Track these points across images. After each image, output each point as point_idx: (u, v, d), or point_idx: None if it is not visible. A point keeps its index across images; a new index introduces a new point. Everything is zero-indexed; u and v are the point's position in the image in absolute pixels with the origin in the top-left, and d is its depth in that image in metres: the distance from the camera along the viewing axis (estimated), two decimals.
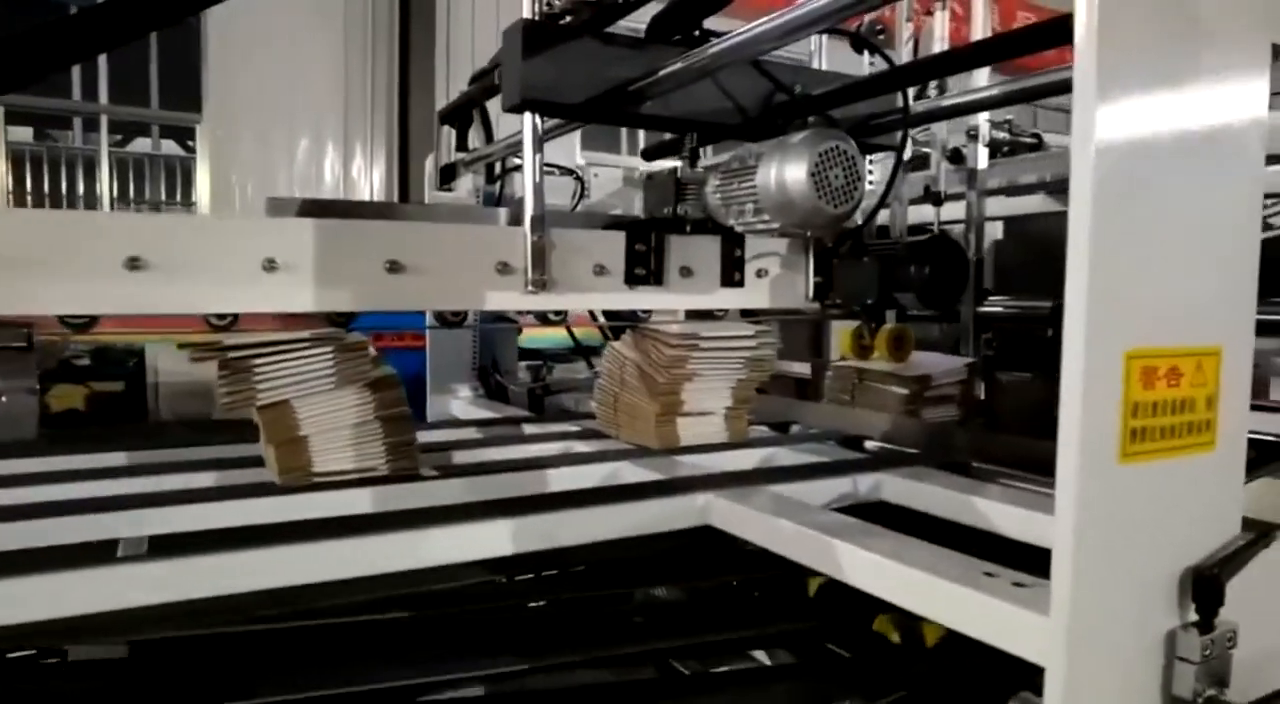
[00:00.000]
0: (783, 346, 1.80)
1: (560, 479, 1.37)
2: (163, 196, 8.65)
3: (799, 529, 1.08)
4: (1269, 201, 3.46)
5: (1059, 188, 2.64)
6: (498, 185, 2.43)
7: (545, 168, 2.62)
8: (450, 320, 1.55)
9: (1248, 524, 0.83)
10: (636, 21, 1.61)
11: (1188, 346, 0.76)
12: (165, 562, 0.95)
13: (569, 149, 2.86)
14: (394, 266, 1.44)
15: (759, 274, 1.81)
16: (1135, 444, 0.73)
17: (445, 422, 2.17)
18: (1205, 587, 0.76)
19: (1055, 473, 0.71)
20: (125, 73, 7.85)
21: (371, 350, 1.37)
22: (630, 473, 1.45)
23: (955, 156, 2.08)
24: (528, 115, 1.53)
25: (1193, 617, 0.77)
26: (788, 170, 1.37)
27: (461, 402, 2.37)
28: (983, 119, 2.01)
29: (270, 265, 1.35)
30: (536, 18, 1.53)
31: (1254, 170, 0.79)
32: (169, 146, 8.74)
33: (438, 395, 2.40)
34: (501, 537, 1.08)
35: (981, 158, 2.02)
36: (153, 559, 0.95)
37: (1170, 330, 0.74)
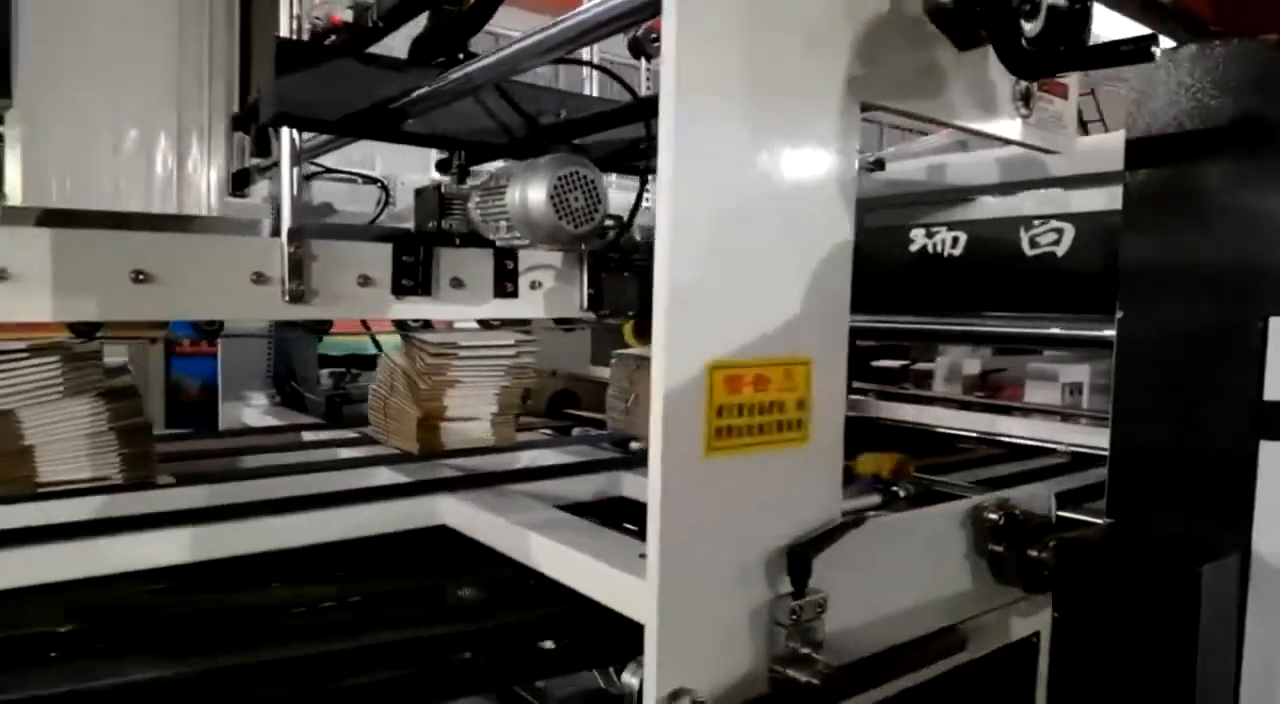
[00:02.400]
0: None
1: (305, 484, 1.41)
2: None
3: (506, 524, 1.18)
4: (1038, 221, 3.81)
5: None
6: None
7: (348, 176, 2.64)
8: (205, 329, 1.57)
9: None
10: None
11: (776, 357, 0.89)
12: None
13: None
14: (141, 276, 1.45)
15: (533, 286, 1.90)
16: (721, 440, 0.85)
17: (226, 431, 2.16)
18: (796, 561, 0.90)
19: None
20: None
21: (110, 360, 1.37)
22: (384, 476, 1.51)
23: None
24: (285, 130, 1.57)
25: (788, 588, 0.91)
26: (530, 192, 1.46)
27: (255, 410, 2.35)
28: None
29: (0, 275, 1.34)
30: (295, 36, 1.57)
31: (845, 210, 0.94)
32: None
33: (230, 403, 2.37)
34: (204, 540, 1.12)
35: None
36: None
37: (756, 344, 0.87)
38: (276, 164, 2.43)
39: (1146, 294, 1.37)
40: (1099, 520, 1.42)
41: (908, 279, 3.99)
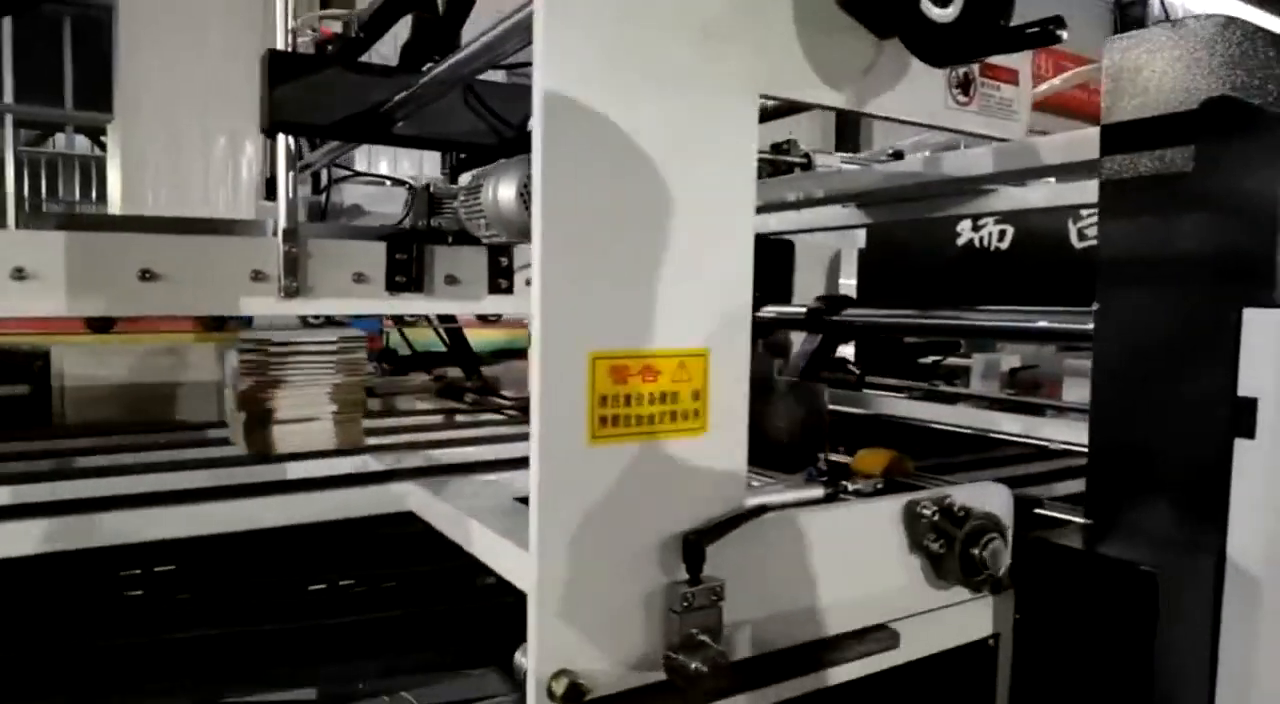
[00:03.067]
0: None
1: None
2: (76, 197, 8.55)
3: (452, 510, 1.22)
4: (1086, 212, 3.68)
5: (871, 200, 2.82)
6: (324, 196, 2.54)
7: (378, 179, 2.74)
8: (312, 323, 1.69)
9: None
10: None
11: (668, 349, 0.90)
12: None
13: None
14: (148, 275, 1.55)
15: (529, 282, 1.95)
16: (606, 429, 0.87)
17: None
18: (690, 549, 0.91)
19: None
20: (36, 70, 7.78)
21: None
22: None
23: None
24: (281, 137, 1.66)
25: (685, 575, 0.92)
26: (500, 190, 1.50)
27: None
28: None
29: (19, 275, 1.46)
30: (290, 48, 1.66)
31: (743, 201, 0.95)
32: (85, 146, 8.63)
33: None
34: None
35: None
36: None
37: (646, 336, 0.89)
38: (305, 167, 2.55)
39: (1123, 286, 1.32)
40: (1079, 520, 1.37)
41: (954, 273, 3.90)
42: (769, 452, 2.01)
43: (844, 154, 2.33)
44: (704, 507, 0.94)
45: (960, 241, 4.01)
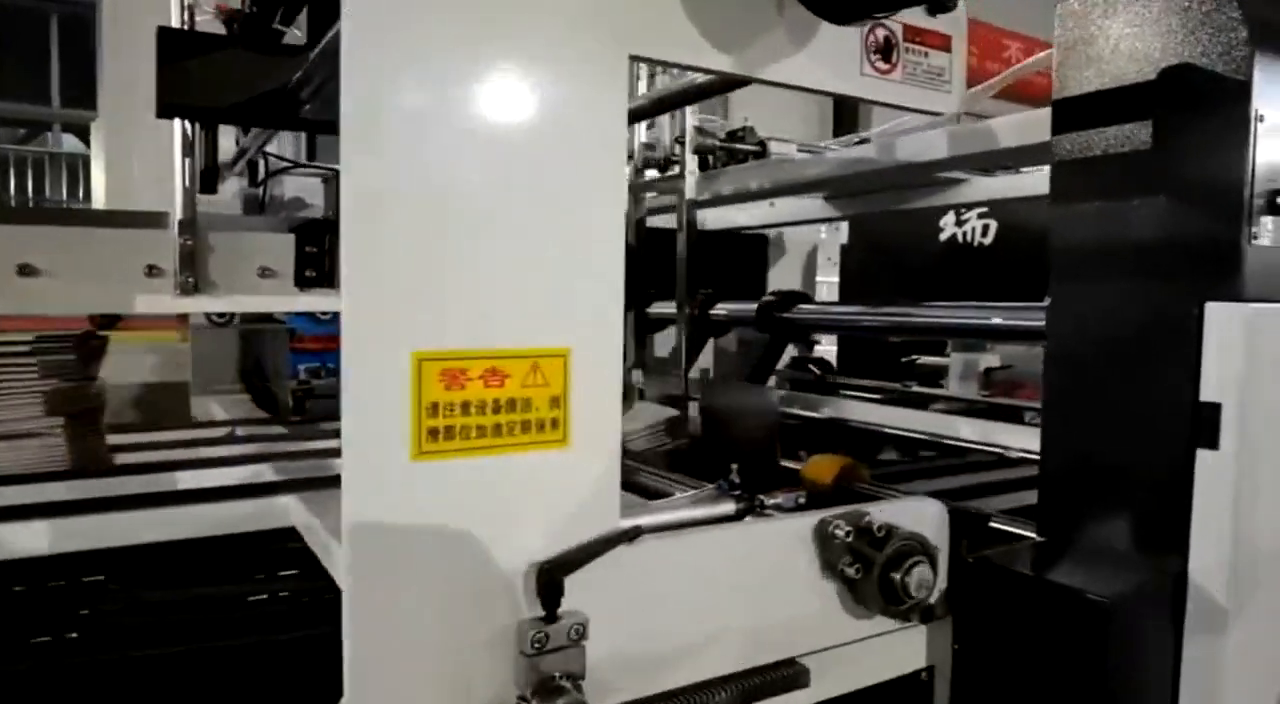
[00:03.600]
0: None
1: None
2: (63, 196, 8.48)
3: (319, 526, 1.10)
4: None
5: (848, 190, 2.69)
6: (261, 188, 2.42)
7: (320, 170, 2.62)
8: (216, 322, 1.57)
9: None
10: None
11: (518, 349, 0.78)
12: None
13: None
14: (26, 270, 1.43)
15: None
16: (437, 443, 0.75)
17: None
18: (545, 581, 0.79)
19: None
20: (23, 68, 7.70)
21: None
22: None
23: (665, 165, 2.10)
24: (177, 121, 1.54)
25: (541, 611, 0.80)
26: None
27: (224, 404, 2.35)
28: (689, 125, 2.02)
29: None
30: (186, 25, 1.54)
31: (611, 180, 0.82)
32: (73, 144, 8.55)
33: (200, 397, 2.38)
34: None
35: (690, 165, 2.03)
36: None
37: (488, 333, 0.77)
38: (238, 159, 2.43)
39: (1076, 278, 1.19)
40: (1032, 535, 1.24)
41: (938, 269, 3.76)
42: (717, 460, 1.89)
43: (802, 142, 2.19)
44: (566, 531, 0.81)
45: (943, 236, 3.87)
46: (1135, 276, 1.12)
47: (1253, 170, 1.04)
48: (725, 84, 1.45)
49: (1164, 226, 1.09)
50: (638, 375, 2.21)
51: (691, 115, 2.02)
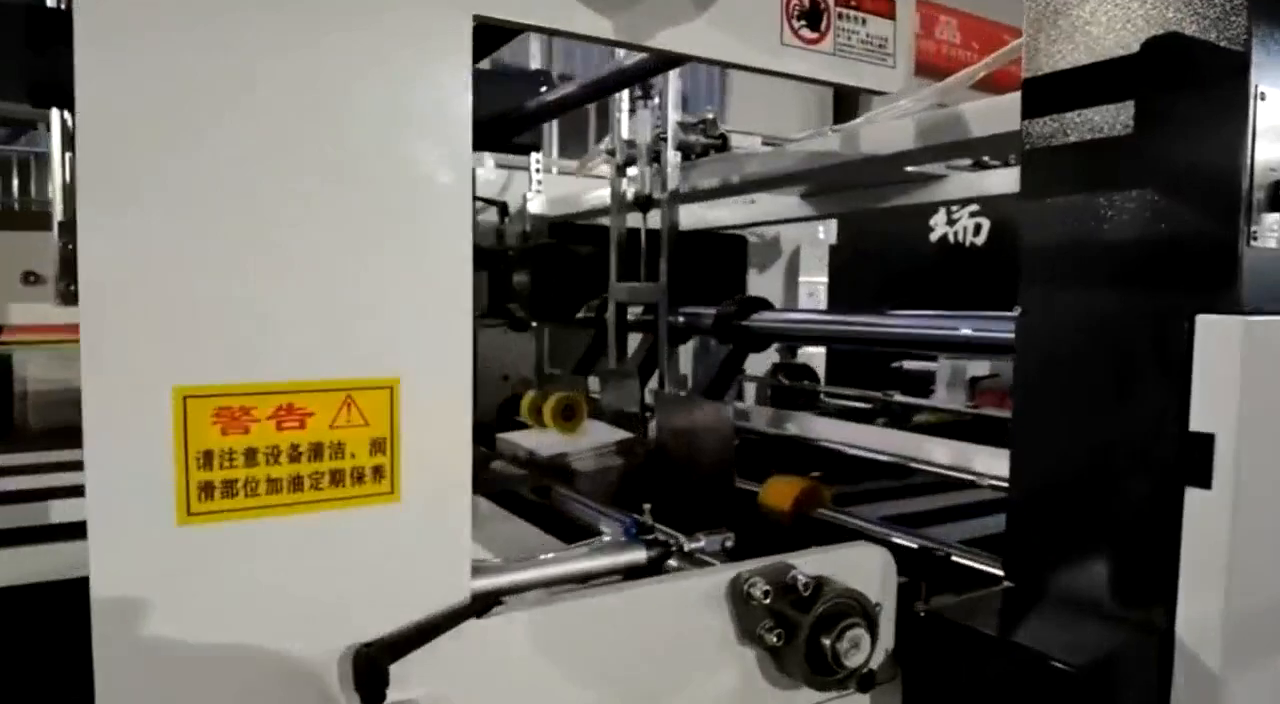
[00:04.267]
0: None
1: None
2: (50, 196, 8.33)
3: None
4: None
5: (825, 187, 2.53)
6: None
7: None
8: None
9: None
10: None
11: (324, 380, 0.62)
12: None
13: None
14: None
15: None
16: (213, 501, 0.59)
17: None
18: (365, 670, 0.63)
19: None
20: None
21: None
22: None
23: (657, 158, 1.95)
24: (55, 111, 1.39)
25: None
26: None
27: None
28: (673, 118, 1.89)
29: None
30: (61, 5, 1.39)
31: (448, 168, 0.66)
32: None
33: None
34: None
35: (672, 160, 1.89)
36: None
37: (283, 361, 0.61)
38: None
39: (1049, 284, 1.03)
40: (998, 572, 1.09)
41: (929, 270, 3.60)
42: (669, 483, 1.74)
43: (767, 134, 2.03)
44: (398, 605, 0.66)
45: (934, 236, 3.71)
46: (1116, 283, 0.96)
47: (1252, 159, 0.87)
48: (661, 63, 1.29)
49: (1149, 225, 0.93)
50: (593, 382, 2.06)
51: (674, 108, 1.87)
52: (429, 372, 0.66)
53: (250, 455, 0.60)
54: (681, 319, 1.87)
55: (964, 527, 1.61)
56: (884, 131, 1.46)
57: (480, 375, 2.33)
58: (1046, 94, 1.02)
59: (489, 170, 2.38)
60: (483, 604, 0.68)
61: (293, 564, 0.62)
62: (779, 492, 1.51)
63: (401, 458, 0.65)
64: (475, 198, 1.92)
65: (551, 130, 3.06)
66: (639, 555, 0.93)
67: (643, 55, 1.22)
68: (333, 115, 0.62)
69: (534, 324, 2.47)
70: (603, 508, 1.27)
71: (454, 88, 0.66)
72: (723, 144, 1.88)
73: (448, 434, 0.67)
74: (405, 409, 0.65)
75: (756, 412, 1.91)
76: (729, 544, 0.99)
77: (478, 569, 0.83)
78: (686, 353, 2.42)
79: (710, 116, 1.99)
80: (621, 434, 1.72)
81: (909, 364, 3.45)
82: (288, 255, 0.61)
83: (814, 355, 3.80)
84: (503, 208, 1.76)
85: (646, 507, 0.97)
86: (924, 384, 3.22)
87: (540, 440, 1.73)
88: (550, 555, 0.89)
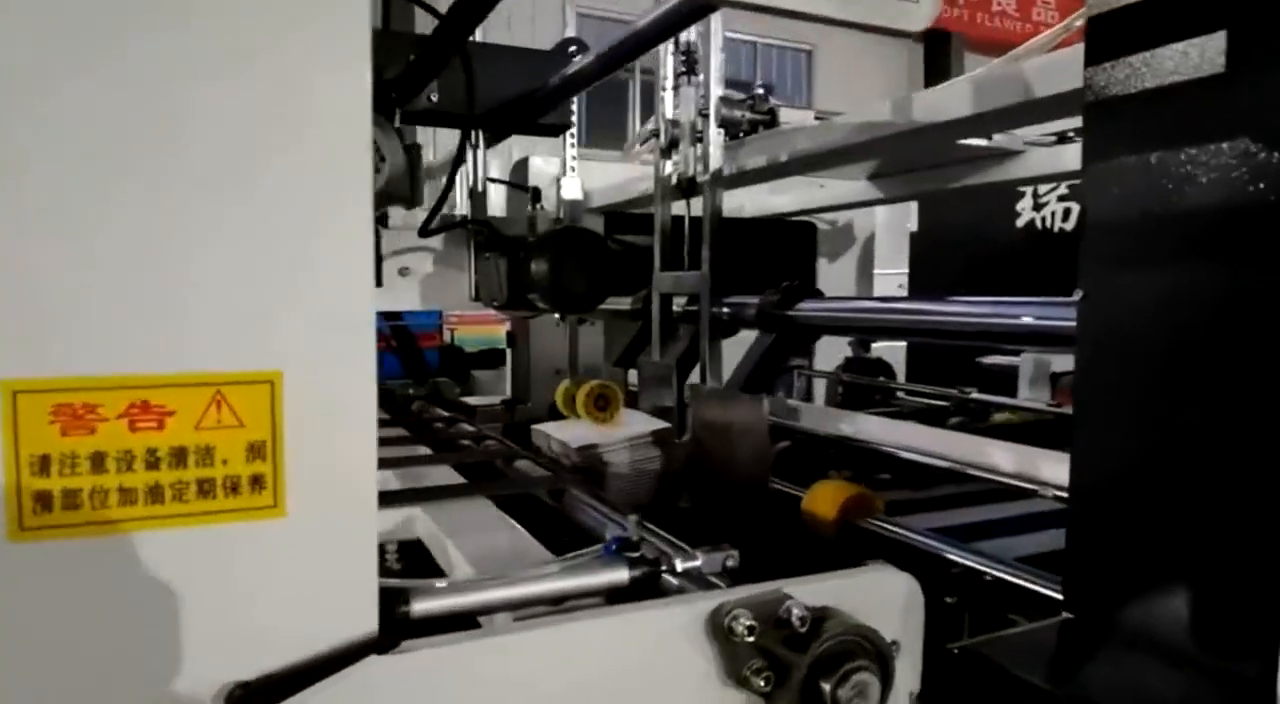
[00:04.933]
0: None
1: None
2: None
3: None
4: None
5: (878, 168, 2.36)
6: None
7: None
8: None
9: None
10: None
11: (182, 374, 0.53)
12: None
13: None
14: None
15: (402, 273, 1.60)
16: (50, 515, 0.50)
17: None
18: None
19: None
20: None
21: None
22: None
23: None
24: None
25: None
26: None
27: None
28: (715, 93, 1.75)
29: None
30: None
31: (346, 124, 0.56)
32: None
33: None
34: None
35: (715, 139, 1.75)
36: None
37: (131, 349, 0.52)
38: None
39: (1118, 262, 0.86)
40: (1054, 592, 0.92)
41: (1015, 257, 3.35)
42: (705, 483, 1.60)
43: (823, 108, 1.87)
44: (286, 638, 0.56)
45: (1020, 222, 3.46)
46: (1201, 256, 0.79)
47: None
48: (686, 14, 1.16)
49: (1241, 186, 0.75)
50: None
51: (717, 83, 1.74)
52: (320, 364, 0.56)
53: (98, 461, 0.51)
54: (726, 310, 1.73)
55: (1035, 539, 1.43)
56: (936, 97, 1.29)
57: (532, 369, 2.25)
58: (1116, 31, 0.85)
59: (600, 164, 2.26)
60: (391, 639, 0.57)
61: (153, 590, 0.53)
62: (824, 498, 1.37)
63: (286, 466, 0.55)
64: (505, 183, 1.84)
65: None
66: (620, 575, 0.81)
67: (668, 6, 1.09)
68: (197, 66, 0.52)
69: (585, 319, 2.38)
70: (611, 513, 1.15)
71: (350, 24, 0.55)
72: (771, 120, 1.74)
73: (345, 438, 0.57)
74: (290, 408, 0.55)
75: (805, 409, 1.76)
76: (731, 563, 0.86)
77: (416, 591, 0.74)
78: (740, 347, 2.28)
79: (760, 92, 1.84)
80: (658, 424, 1.60)
81: (993, 359, 3.22)
82: (140, 229, 0.51)
83: (892, 350, 3.59)
84: (535, 193, 1.66)
85: (633, 518, 0.85)
86: (1009, 381, 2.99)
87: (573, 432, 1.63)
88: (520, 572, 0.78)
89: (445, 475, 1.44)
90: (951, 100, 1.25)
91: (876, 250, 3.61)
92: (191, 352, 0.53)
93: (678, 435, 1.65)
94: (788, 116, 1.76)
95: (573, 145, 1.79)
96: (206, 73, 0.52)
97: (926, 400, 2.59)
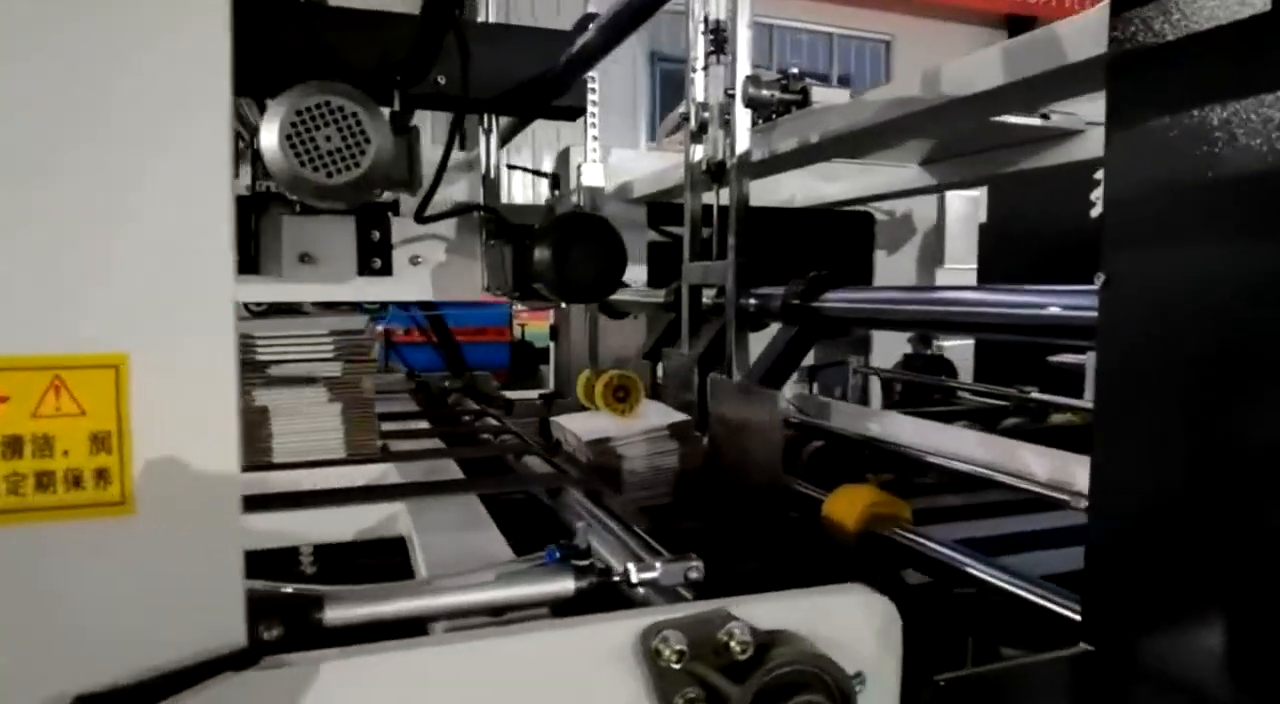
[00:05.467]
0: None
1: None
2: None
3: None
4: None
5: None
6: None
7: None
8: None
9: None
10: None
11: (12, 356, 0.48)
12: None
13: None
14: None
15: (413, 261, 1.56)
16: None
17: None
18: None
19: None
20: None
21: None
22: None
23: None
24: None
25: None
26: (264, 133, 1.12)
27: None
28: (742, 72, 1.66)
29: None
30: None
31: (197, 94, 0.50)
32: None
33: None
34: None
35: (742, 121, 1.66)
36: None
37: None
38: None
39: (1146, 241, 0.75)
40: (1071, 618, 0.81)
41: (1087, 251, 3.14)
42: (719, 483, 1.51)
43: (856, 87, 1.76)
44: (134, 648, 0.51)
45: (1094, 213, 3.23)
46: (1247, 234, 0.67)
47: None
48: None
49: None
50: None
51: (745, 61, 1.65)
52: (172, 348, 0.50)
53: None
54: (753, 302, 1.64)
55: (1075, 553, 1.31)
56: (965, 67, 1.17)
57: (573, 362, 2.19)
58: None
59: (639, 152, 2.19)
60: (252, 653, 0.52)
61: None
62: (845, 504, 1.27)
63: (134, 458, 0.50)
64: (523, 169, 1.79)
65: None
66: (565, 585, 0.73)
67: None
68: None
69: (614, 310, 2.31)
70: (603, 515, 1.08)
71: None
72: (804, 100, 1.63)
73: (202, 429, 0.51)
74: (139, 395, 0.50)
75: (837, 407, 1.65)
76: (694, 576, 0.77)
77: (332, 598, 0.68)
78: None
79: (794, 71, 1.74)
80: (678, 416, 1.52)
81: (1062, 357, 3.02)
82: None
83: (961, 348, 3.42)
84: (554, 179, 1.60)
85: (581, 524, 0.77)
86: (1077, 379, 2.80)
87: (588, 424, 1.56)
88: (448, 579, 0.71)
89: (449, 471, 1.40)
90: (981, 71, 1.14)
91: (949, 244, 3.44)
92: (26, 333, 0.48)
93: (699, 430, 1.57)
94: (821, 96, 1.65)
95: (593, 127, 1.72)
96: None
97: (986, 400, 2.44)
